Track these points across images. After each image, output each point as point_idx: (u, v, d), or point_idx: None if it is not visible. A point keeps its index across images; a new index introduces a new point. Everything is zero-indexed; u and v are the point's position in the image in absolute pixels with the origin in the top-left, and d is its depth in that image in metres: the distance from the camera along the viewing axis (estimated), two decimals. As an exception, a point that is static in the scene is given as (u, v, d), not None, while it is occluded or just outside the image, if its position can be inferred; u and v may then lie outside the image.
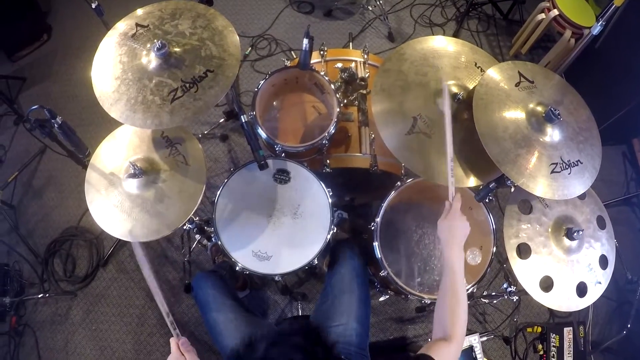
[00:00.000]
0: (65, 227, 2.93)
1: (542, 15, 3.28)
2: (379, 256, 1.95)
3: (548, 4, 3.26)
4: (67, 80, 3.39)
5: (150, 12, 1.84)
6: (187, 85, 1.68)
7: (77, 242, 2.88)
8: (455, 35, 3.70)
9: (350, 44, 3.39)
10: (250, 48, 3.48)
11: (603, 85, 2.92)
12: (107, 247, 2.85)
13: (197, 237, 2.35)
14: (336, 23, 3.70)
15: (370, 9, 3.71)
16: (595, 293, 1.86)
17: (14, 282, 2.74)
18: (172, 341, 1.46)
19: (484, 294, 2.46)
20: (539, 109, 1.72)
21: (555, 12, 3.18)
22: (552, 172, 1.67)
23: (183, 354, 1.43)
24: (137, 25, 1.79)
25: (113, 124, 1.93)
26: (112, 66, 1.72)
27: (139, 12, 1.85)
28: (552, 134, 1.70)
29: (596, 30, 2.18)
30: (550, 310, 2.81)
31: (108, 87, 1.69)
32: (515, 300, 2.20)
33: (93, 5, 2.28)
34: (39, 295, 2.70)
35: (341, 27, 3.69)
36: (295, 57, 3.28)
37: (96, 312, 2.73)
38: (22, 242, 2.86)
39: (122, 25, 1.82)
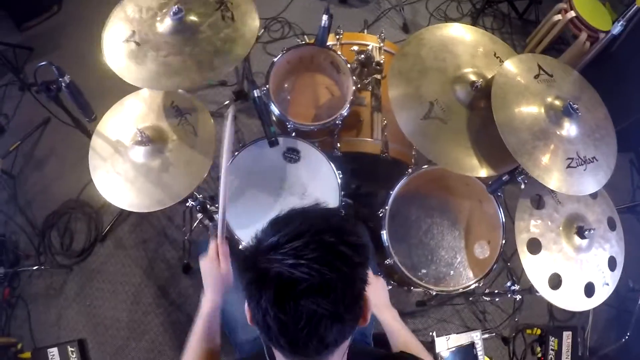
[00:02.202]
0: (65, 199, 2.87)
1: (559, 17, 3.25)
2: (387, 244, 1.92)
3: (565, 6, 3.23)
4: (76, 53, 3.32)
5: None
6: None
7: (76, 215, 2.83)
8: (470, 31, 3.68)
9: (365, 30, 3.35)
10: (263, 30, 3.43)
11: (614, 91, 2.87)
12: (106, 222, 2.80)
13: (199, 216, 2.30)
14: (351, 11, 3.67)
15: (387, -2, 3.68)
16: (602, 294, 1.84)
17: (9, 253, 2.70)
18: (212, 242, 1.35)
19: (486, 291, 2.43)
20: (557, 102, 1.70)
21: (572, 13, 3.15)
22: (568, 166, 1.65)
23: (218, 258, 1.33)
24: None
25: (122, 97, 1.90)
26: (148, 59, 1.70)
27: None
28: (569, 129, 1.68)
29: (616, 30, 2.16)
30: (551, 313, 2.79)
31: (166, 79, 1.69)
32: (517, 299, 2.16)
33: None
34: (34, 268, 2.66)
35: (356, 14, 3.64)
36: (308, 40, 3.24)
37: (91, 288, 2.69)
38: (20, 213, 2.82)
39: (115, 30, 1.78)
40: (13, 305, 2.65)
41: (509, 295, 2.12)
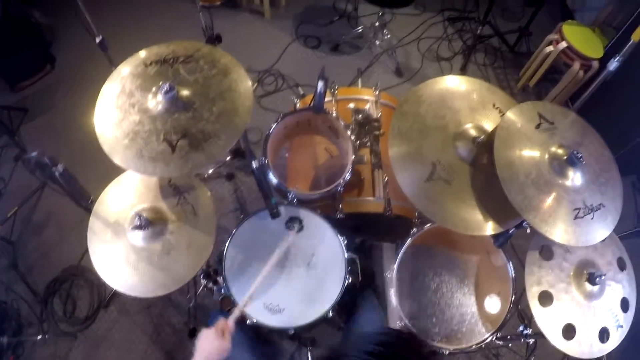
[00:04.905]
0: (66, 265, 2.83)
1: (550, 48, 3.27)
2: (395, 302, 1.87)
3: (556, 36, 3.25)
4: (70, 113, 3.32)
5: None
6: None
7: (78, 282, 2.79)
8: (463, 68, 3.70)
9: (359, 80, 3.36)
10: (256, 83, 3.44)
11: (613, 116, 2.89)
12: (109, 288, 2.74)
13: (203, 281, 2.27)
14: (343, 58, 3.69)
15: (378, 43, 3.70)
16: (616, 337, 1.80)
17: (12, 321, 2.64)
18: (222, 319, 1.51)
19: (499, 335, 2.38)
20: (560, 151, 1.66)
21: (563, 44, 3.17)
22: (576, 217, 1.61)
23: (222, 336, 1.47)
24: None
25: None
26: (142, 140, 1.60)
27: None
28: (574, 178, 1.64)
29: (613, 66, 2.14)
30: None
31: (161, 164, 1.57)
32: (531, 343, 2.12)
33: (97, 40, 2.23)
34: (38, 337, 2.60)
35: (348, 62, 3.67)
36: (302, 92, 3.23)
37: (97, 356, 2.62)
38: (20, 280, 2.77)
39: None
40: (18, 375, 2.57)
41: (522, 340, 2.08)
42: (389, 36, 3.58)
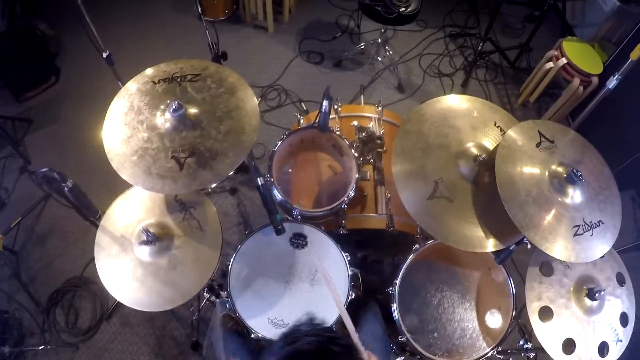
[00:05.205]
0: (69, 276, 2.84)
1: (550, 64, 3.30)
2: (397, 317, 1.90)
3: (556, 53, 3.28)
4: (76, 125, 3.36)
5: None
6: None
7: (81, 293, 2.80)
8: (464, 84, 3.73)
9: (362, 96, 3.38)
10: (260, 99, 3.47)
11: (612, 132, 2.91)
12: (112, 299, 2.75)
13: (206, 295, 2.29)
14: (345, 74, 3.73)
15: (380, 59, 3.75)
16: (616, 352, 1.82)
17: (14, 331, 2.65)
18: None
19: (499, 349, 2.39)
20: (560, 169, 1.69)
21: (563, 60, 3.20)
22: (575, 234, 1.63)
23: None
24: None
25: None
26: (151, 158, 1.63)
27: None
28: (574, 195, 1.67)
29: (612, 84, 2.16)
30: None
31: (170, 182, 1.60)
32: (531, 357, 2.14)
33: (104, 55, 2.25)
34: (40, 347, 2.61)
35: (351, 77, 3.71)
36: (305, 108, 3.25)
37: (99, 367, 2.64)
38: (23, 290, 2.78)
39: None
40: (20, 385, 2.58)
41: (523, 354, 2.09)
42: (390, 52, 3.62)
